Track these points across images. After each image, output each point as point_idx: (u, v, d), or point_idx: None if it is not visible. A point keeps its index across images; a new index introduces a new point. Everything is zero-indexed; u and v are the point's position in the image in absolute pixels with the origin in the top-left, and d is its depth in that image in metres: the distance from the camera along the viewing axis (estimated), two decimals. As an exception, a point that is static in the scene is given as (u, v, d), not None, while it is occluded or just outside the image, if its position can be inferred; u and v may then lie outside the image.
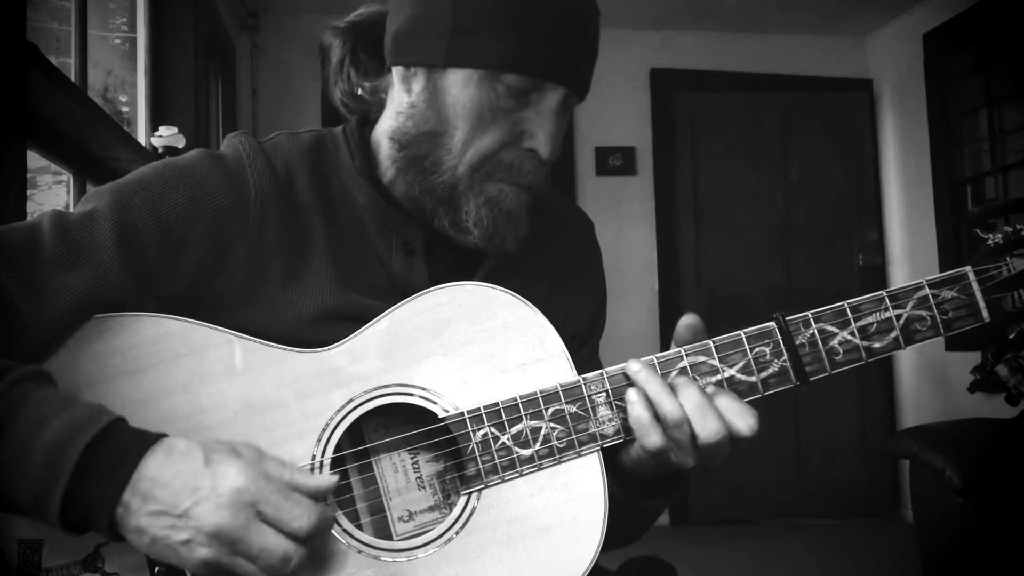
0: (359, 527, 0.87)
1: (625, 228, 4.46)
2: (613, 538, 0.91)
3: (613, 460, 0.93)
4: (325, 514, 0.77)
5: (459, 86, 0.89)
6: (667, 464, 0.88)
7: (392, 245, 0.95)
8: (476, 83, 0.89)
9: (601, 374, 0.88)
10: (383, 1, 0.99)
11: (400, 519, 0.91)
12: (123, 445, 0.74)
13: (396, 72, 0.94)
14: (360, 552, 0.83)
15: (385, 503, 0.90)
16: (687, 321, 0.90)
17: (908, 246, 4.39)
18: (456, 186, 0.91)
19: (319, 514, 0.76)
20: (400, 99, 0.94)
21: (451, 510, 0.87)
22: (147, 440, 0.75)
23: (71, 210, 0.88)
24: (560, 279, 1.05)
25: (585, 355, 1.06)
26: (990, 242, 0.91)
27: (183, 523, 0.72)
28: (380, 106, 0.99)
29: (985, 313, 0.89)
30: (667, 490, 0.96)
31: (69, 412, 0.73)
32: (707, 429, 0.83)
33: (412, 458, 0.91)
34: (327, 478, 0.79)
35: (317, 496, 0.78)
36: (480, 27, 0.87)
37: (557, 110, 0.91)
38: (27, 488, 0.72)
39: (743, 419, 0.84)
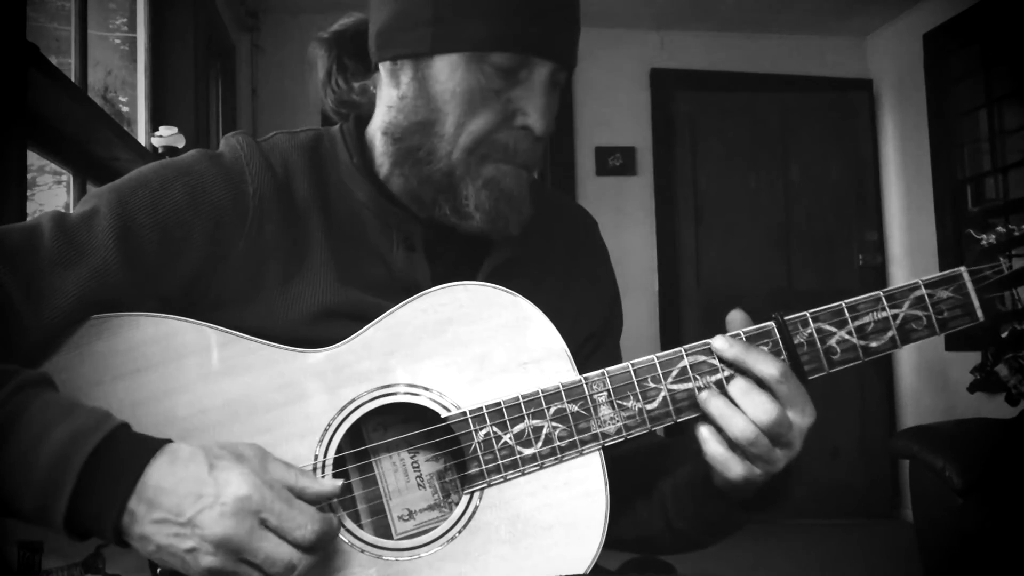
0: (360, 527, 0.87)
1: (625, 228, 4.46)
2: (683, 543, 0.97)
3: (703, 480, 0.91)
4: (330, 522, 0.76)
5: (447, 72, 0.89)
6: (757, 480, 0.87)
7: (393, 241, 0.95)
8: (464, 66, 0.89)
9: (603, 373, 0.88)
10: (363, 10, 0.99)
11: (400, 518, 0.90)
12: (127, 452, 0.73)
13: (383, 68, 0.94)
14: (363, 552, 0.83)
15: (385, 503, 0.90)
16: (738, 316, 0.89)
17: (908, 246, 4.39)
18: (452, 172, 0.91)
19: (323, 523, 0.75)
20: (389, 94, 0.94)
21: (451, 509, 0.87)
22: (151, 446, 0.74)
23: (71, 211, 0.88)
24: (567, 279, 1.04)
25: (603, 356, 1.04)
26: (984, 243, 0.91)
27: (188, 531, 0.72)
28: (372, 105, 0.99)
29: (979, 313, 0.89)
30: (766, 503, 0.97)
31: (72, 419, 0.73)
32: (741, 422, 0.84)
33: (412, 457, 0.91)
34: (331, 483, 0.79)
35: (320, 500, 0.78)
36: (462, 10, 0.88)
37: (547, 86, 0.91)
38: (31, 496, 0.71)
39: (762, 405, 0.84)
